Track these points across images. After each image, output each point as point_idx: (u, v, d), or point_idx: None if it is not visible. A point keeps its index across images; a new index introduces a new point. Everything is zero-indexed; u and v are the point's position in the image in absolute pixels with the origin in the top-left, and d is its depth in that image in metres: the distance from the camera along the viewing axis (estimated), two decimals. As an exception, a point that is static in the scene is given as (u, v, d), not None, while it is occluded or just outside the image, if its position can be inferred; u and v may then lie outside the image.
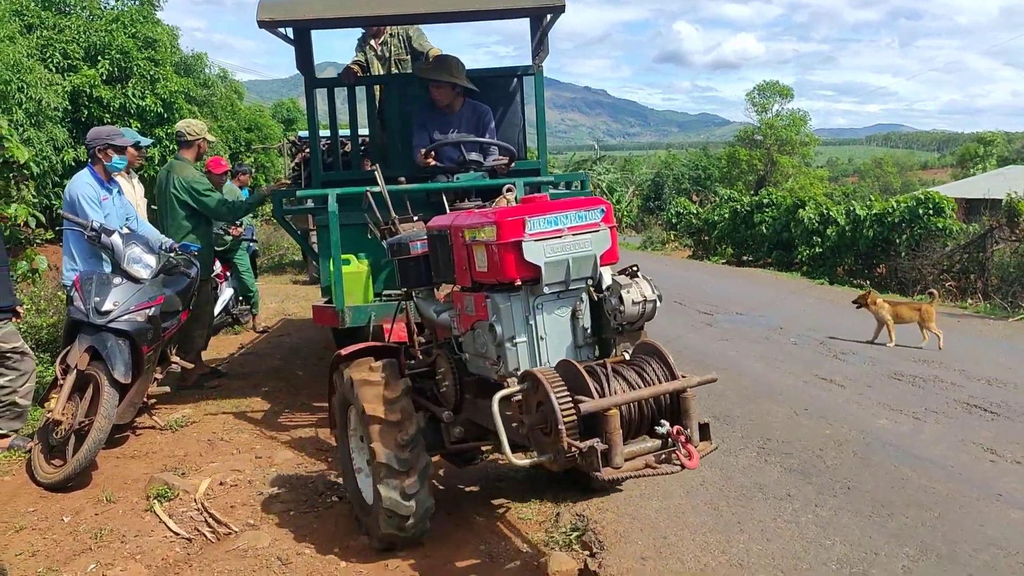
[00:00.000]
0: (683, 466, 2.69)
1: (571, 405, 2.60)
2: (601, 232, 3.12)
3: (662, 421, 2.78)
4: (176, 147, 6.54)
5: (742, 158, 47.22)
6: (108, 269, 4.82)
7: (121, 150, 5.09)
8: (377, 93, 6.17)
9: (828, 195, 24.68)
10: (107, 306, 4.44)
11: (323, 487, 4.18)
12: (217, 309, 7.80)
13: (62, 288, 5.79)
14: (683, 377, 2.84)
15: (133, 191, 5.96)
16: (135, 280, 4.66)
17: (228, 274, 8.32)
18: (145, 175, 9.55)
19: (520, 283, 2.99)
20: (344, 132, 5.95)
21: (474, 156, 5.19)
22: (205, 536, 3.65)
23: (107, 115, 13.25)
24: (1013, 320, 10.09)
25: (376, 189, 4.33)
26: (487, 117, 5.54)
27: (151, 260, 4.76)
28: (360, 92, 6.25)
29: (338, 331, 6.82)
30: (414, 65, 6.53)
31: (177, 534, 3.67)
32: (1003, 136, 52.23)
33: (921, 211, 15.16)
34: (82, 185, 4.97)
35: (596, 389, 2.70)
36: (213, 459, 4.62)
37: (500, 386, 3.16)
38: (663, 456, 2.75)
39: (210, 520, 3.78)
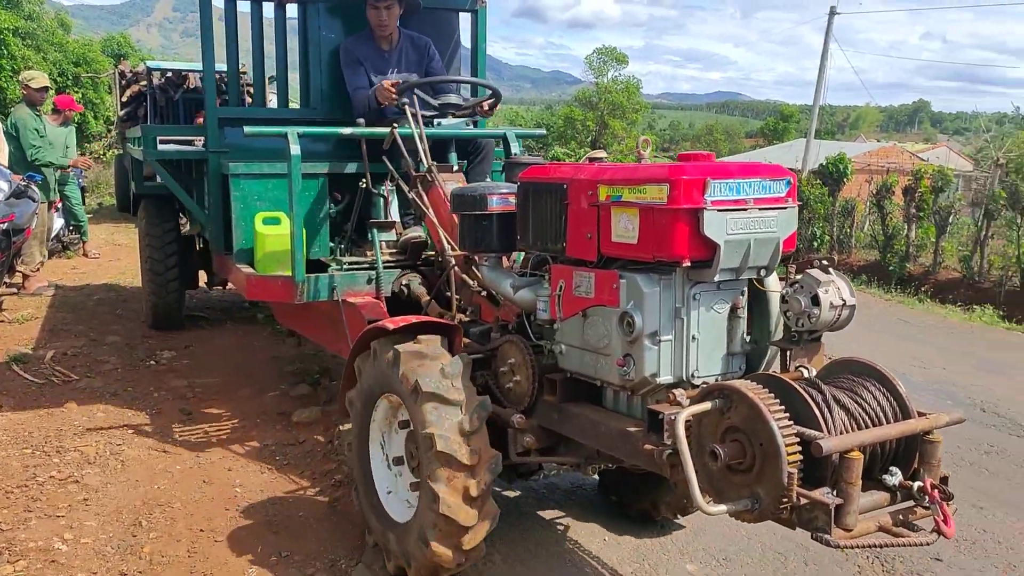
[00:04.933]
0: (940, 533, 2.08)
1: (796, 440, 1.98)
2: (788, 210, 2.50)
3: (893, 469, 2.17)
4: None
5: (577, 119, 50.04)
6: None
7: None
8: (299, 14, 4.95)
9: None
10: (-32, 220, 5.74)
11: (143, 355, 5.73)
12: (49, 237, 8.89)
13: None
14: (925, 415, 2.21)
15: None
16: (-10, 201, 5.95)
17: (60, 206, 9.36)
18: None
19: (687, 264, 2.34)
20: (220, 67, 5.14)
21: (452, 99, 4.33)
22: (54, 382, 5.15)
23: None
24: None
25: (382, 132, 3.95)
26: (431, 50, 4.71)
27: (4, 185, 6.05)
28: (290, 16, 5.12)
29: (158, 306, 6.01)
30: None
31: (33, 381, 5.14)
32: (798, 109, 58.13)
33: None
34: None
35: (823, 420, 2.07)
36: (56, 340, 6.03)
37: (600, 391, 2.67)
38: (901, 517, 2.13)
39: (57, 373, 5.28)
